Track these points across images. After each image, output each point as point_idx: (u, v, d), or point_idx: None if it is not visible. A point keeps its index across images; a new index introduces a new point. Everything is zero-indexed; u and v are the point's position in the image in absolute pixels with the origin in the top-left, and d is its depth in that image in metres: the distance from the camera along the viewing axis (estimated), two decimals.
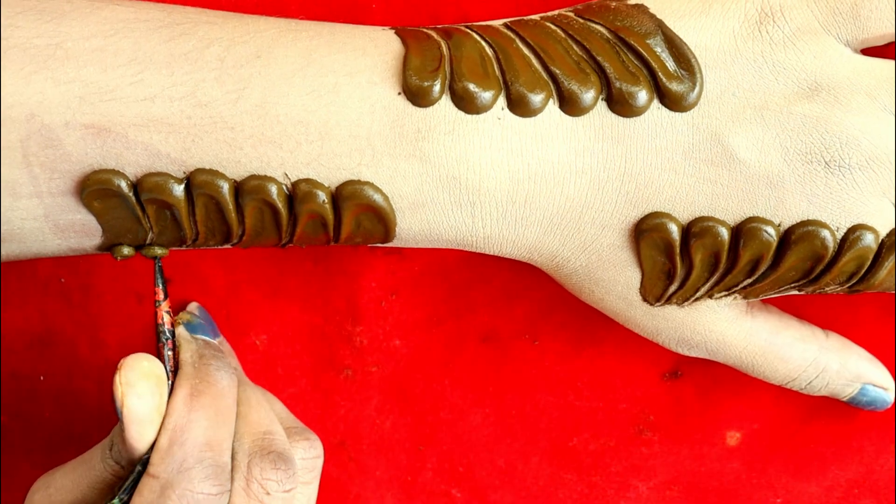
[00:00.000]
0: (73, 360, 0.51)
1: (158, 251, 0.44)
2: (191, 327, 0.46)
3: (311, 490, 0.45)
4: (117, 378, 0.41)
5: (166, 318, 0.45)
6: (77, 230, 0.43)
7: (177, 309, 0.49)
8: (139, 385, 0.42)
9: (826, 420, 0.50)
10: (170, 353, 0.45)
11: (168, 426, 0.42)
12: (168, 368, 0.44)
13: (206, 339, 0.46)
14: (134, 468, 0.42)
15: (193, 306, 0.50)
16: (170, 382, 0.43)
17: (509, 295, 0.50)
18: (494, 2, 0.48)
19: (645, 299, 0.45)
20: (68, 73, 0.41)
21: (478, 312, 0.51)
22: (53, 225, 0.42)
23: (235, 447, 0.44)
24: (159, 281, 0.45)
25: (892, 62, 0.43)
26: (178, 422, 0.42)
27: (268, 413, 0.45)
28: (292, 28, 0.43)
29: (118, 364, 0.42)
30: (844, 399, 0.47)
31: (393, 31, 0.43)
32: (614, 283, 0.44)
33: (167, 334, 0.45)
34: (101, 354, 0.51)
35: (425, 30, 0.43)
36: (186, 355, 0.44)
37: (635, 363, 0.51)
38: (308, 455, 0.45)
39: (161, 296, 0.45)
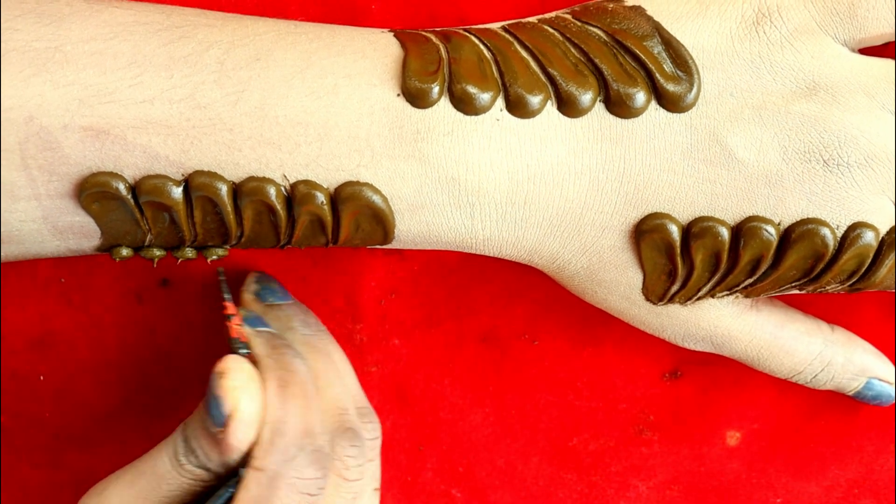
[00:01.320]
0: (73, 360, 0.51)
1: (157, 253, 0.44)
2: (250, 321, 0.46)
3: (376, 466, 0.46)
4: (226, 382, 0.41)
5: (242, 332, 0.44)
6: (76, 232, 0.43)
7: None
8: (249, 387, 0.42)
9: (826, 420, 0.50)
10: None
11: (266, 420, 0.42)
12: None
13: (270, 330, 0.46)
14: (235, 471, 0.42)
15: (252, 286, 0.49)
16: None
17: (509, 295, 0.51)
18: (492, 3, 0.48)
19: (648, 299, 0.45)
20: (67, 75, 0.41)
21: (477, 312, 0.51)
22: (52, 227, 0.43)
23: None
24: (226, 294, 0.45)
25: (891, 61, 0.43)
26: (275, 414, 0.42)
27: (342, 389, 0.46)
28: (291, 31, 0.43)
29: (217, 370, 0.41)
30: (850, 393, 0.47)
31: (392, 34, 0.43)
32: (616, 284, 0.44)
33: (245, 348, 0.44)
34: (101, 354, 0.51)
35: (424, 33, 0.44)
36: (260, 349, 0.44)
37: (635, 363, 0.51)
38: (372, 436, 0.46)
39: (231, 309, 0.45)
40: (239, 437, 0.41)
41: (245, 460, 0.42)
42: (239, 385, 0.41)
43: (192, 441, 0.43)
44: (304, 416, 0.43)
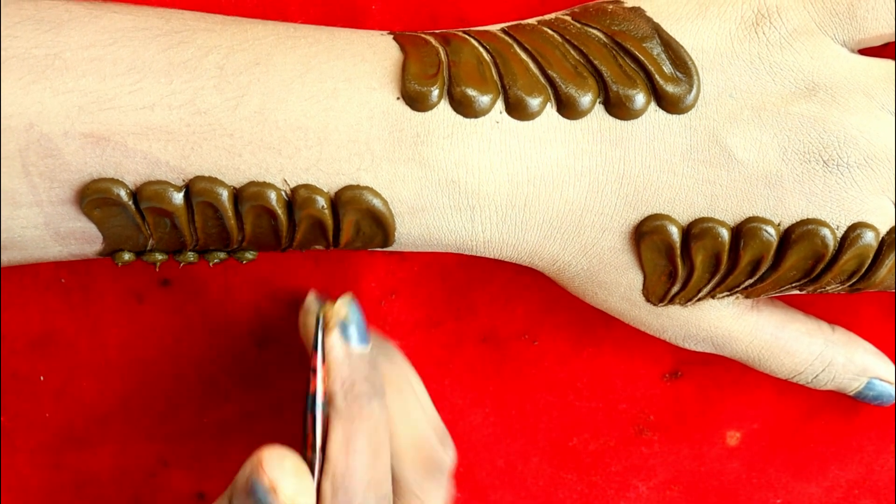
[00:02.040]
0: (73, 360, 0.51)
1: (159, 257, 0.44)
2: (343, 326, 0.43)
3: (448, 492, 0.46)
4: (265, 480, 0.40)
5: (320, 391, 0.42)
6: (77, 237, 0.43)
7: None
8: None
9: (826, 420, 0.51)
10: (319, 428, 0.42)
11: (328, 473, 0.41)
12: (316, 442, 0.42)
13: (359, 348, 0.43)
14: None
15: (347, 302, 0.44)
16: (318, 459, 0.42)
17: (509, 295, 0.50)
18: (492, 4, 0.48)
19: (648, 300, 0.45)
20: (67, 82, 0.41)
21: (477, 313, 0.51)
22: (54, 233, 0.42)
23: (395, 463, 0.43)
24: (319, 344, 0.43)
25: (890, 62, 0.43)
26: (337, 469, 0.41)
27: (423, 422, 0.45)
28: (291, 34, 0.43)
29: (258, 459, 0.40)
30: (851, 393, 0.47)
31: (391, 37, 0.43)
32: (617, 285, 0.44)
33: (322, 408, 0.42)
34: (101, 354, 0.51)
35: (423, 35, 0.43)
36: (336, 386, 0.42)
37: (635, 363, 0.51)
38: (451, 457, 0.45)
39: (318, 362, 0.42)
40: None
41: None
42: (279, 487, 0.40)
43: None
44: (370, 467, 0.42)
